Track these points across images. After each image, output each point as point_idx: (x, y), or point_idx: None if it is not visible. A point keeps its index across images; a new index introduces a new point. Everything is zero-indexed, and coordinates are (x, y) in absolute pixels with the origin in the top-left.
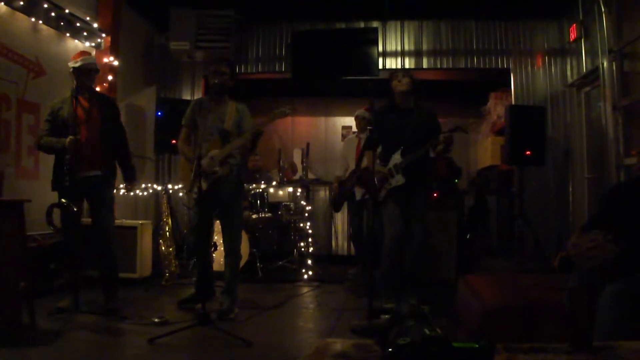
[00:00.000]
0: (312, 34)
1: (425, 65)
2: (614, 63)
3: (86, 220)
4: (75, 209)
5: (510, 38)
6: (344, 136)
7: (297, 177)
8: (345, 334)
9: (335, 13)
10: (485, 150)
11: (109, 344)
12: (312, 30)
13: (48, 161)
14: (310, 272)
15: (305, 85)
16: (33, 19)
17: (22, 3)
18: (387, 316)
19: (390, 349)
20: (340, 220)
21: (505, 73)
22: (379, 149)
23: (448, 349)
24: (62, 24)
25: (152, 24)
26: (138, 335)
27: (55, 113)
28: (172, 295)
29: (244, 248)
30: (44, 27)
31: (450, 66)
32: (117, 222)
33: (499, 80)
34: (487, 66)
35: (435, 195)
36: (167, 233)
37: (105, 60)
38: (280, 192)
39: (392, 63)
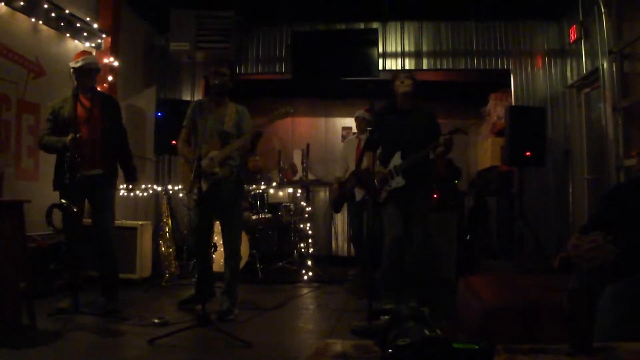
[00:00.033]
0: (312, 34)
1: (425, 66)
2: (614, 64)
3: (87, 221)
4: (75, 210)
5: (510, 39)
6: (344, 137)
7: (297, 178)
8: (345, 335)
9: (336, 14)
10: (485, 151)
11: (109, 344)
12: (312, 31)
13: (48, 162)
14: (310, 273)
15: (305, 86)
16: (33, 20)
17: (22, 3)
18: (387, 317)
19: (390, 350)
20: (340, 221)
21: (505, 74)
22: (379, 150)
23: (448, 350)
24: (62, 24)
25: (152, 25)
26: (138, 336)
27: (56, 112)
28: (172, 296)
29: (244, 249)
30: (44, 27)
31: (450, 67)
32: (117, 222)
33: (499, 81)
34: (487, 67)
35: (435, 196)
36: (167, 234)
37: (105, 60)
38: (280, 193)
39: (392, 64)
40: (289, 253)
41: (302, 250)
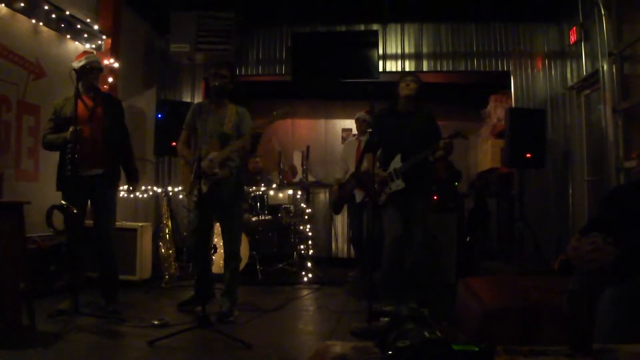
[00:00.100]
0: (313, 36)
1: (425, 68)
2: (614, 66)
3: (88, 222)
4: (75, 211)
5: (510, 41)
6: (344, 139)
7: (297, 179)
8: (345, 336)
9: (336, 15)
10: (485, 153)
11: (109, 346)
12: (312, 33)
13: (48, 163)
14: (310, 275)
15: (305, 88)
16: (33, 21)
17: (22, 5)
18: (386, 319)
19: (390, 352)
20: (340, 222)
21: (505, 76)
22: (379, 152)
23: (448, 352)
24: (62, 25)
25: (153, 26)
26: (138, 338)
27: (58, 112)
28: (172, 298)
29: (244, 250)
30: (45, 28)
31: (450, 69)
32: (117, 224)
33: (499, 83)
34: (487, 69)
35: (435, 198)
36: (167, 235)
37: (106, 62)
38: (280, 195)
39: (392, 66)
40: (289, 255)
41: (302, 251)
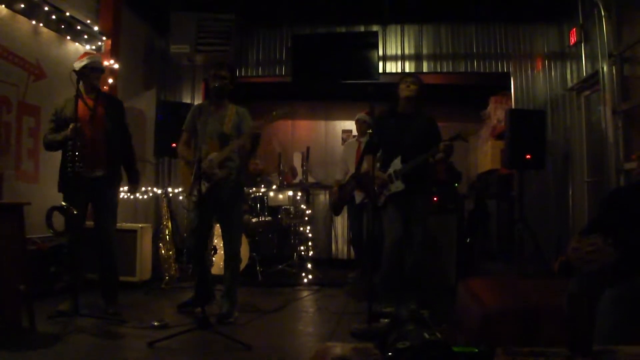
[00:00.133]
0: (312, 37)
1: (425, 69)
2: (613, 67)
3: (89, 223)
4: (75, 212)
5: (510, 42)
6: (344, 140)
7: (297, 180)
8: (345, 337)
9: (336, 17)
10: (485, 154)
11: (109, 347)
12: (312, 34)
13: (48, 164)
14: (310, 276)
15: (305, 89)
16: (34, 22)
17: (22, 6)
18: (386, 320)
19: (389, 353)
20: (340, 224)
21: (505, 77)
22: (379, 154)
23: (448, 353)
24: (62, 27)
25: (153, 27)
26: (138, 339)
27: (59, 113)
28: (172, 299)
29: (244, 252)
30: (45, 29)
31: (450, 70)
32: (117, 225)
33: (499, 84)
34: (487, 70)
35: (435, 199)
36: (167, 236)
37: (106, 63)
38: (280, 196)
39: (392, 67)
40: (289, 256)
41: (302, 253)
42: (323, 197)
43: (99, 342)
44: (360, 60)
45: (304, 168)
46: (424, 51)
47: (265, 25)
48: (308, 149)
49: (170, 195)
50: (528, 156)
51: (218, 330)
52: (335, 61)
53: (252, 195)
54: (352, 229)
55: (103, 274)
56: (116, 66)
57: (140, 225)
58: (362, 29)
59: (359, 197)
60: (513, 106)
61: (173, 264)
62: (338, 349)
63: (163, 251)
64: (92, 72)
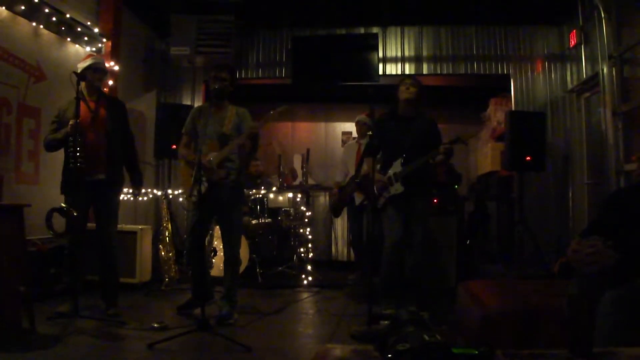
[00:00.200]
0: (312, 39)
1: (425, 71)
2: (613, 69)
3: (91, 225)
4: (75, 214)
5: (510, 44)
6: (344, 142)
7: (297, 182)
8: (345, 339)
9: (336, 19)
10: (485, 156)
11: (108, 348)
12: (312, 36)
13: (48, 166)
14: (310, 278)
15: (305, 91)
16: (34, 24)
17: (23, 7)
18: (386, 322)
19: (389, 355)
20: (340, 225)
21: (505, 79)
22: (380, 156)
23: (447, 355)
24: (63, 28)
25: (153, 29)
26: (137, 340)
27: (61, 115)
28: (172, 301)
29: (244, 253)
30: (45, 31)
31: (450, 72)
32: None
33: (499, 86)
34: (487, 72)
35: (435, 201)
36: (167, 238)
37: (106, 65)
38: (280, 198)
39: (392, 69)
40: (289, 258)
41: (302, 254)
42: (323, 199)
43: (99, 343)
44: (360, 62)
45: (304, 170)
46: (424, 53)
47: (265, 27)
48: (308, 150)
49: (170, 196)
50: (528, 158)
51: (218, 332)
52: (335, 63)
53: (252, 197)
54: (352, 230)
55: (103, 276)
56: (116, 68)
57: (140, 227)
58: (362, 30)
59: (358, 199)
60: (513, 108)
61: (173, 266)
62: (338, 350)
63: (163, 253)
64: (95, 73)
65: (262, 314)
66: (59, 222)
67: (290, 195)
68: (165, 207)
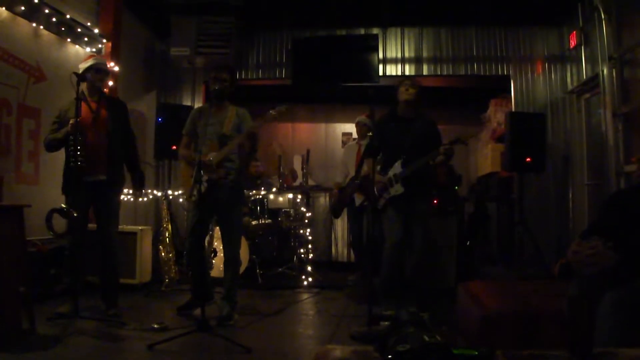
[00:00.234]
0: (313, 40)
1: (425, 72)
2: (614, 70)
3: (92, 226)
4: (75, 214)
5: (511, 44)
6: (344, 143)
7: (297, 183)
8: (345, 340)
9: (336, 20)
10: (485, 157)
11: (108, 349)
12: (313, 37)
13: (48, 166)
14: (310, 279)
15: (306, 92)
16: (34, 24)
17: (23, 8)
18: (386, 323)
19: (389, 356)
20: (340, 226)
21: (505, 80)
22: (380, 157)
23: (447, 356)
24: (63, 29)
25: (153, 30)
26: (137, 341)
27: (62, 115)
28: (172, 301)
29: (244, 254)
30: (45, 32)
31: (450, 73)
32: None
33: (499, 87)
34: (487, 73)
35: (435, 202)
36: (167, 239)
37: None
38: (280, 199)
39: (392, 70)
40: (289, 258)
41: (302, 255)
42: (323, 200)
43: (99, 344)
44: (360, 63)
45: (304, 171)
46: (424, 54)
47: (265, 27)
48: (308, 151)
49: (171, 197)
50: (528, 159)
51: (218, 333)
52: (335, 64)
53: (252, 198)
54: (352, 231)
55: (104, 276)
56: (116, 69)
57: (140, 228)
58: (363, 31)
59: (359, 199)
60: (513, 109)
61: (173, 267)
62: (338, 351)
63: (163, 253)
64: (96, 73)
65: (262, 315)
66: (59, 223)
67: (290, 196)
68: (165, 207)
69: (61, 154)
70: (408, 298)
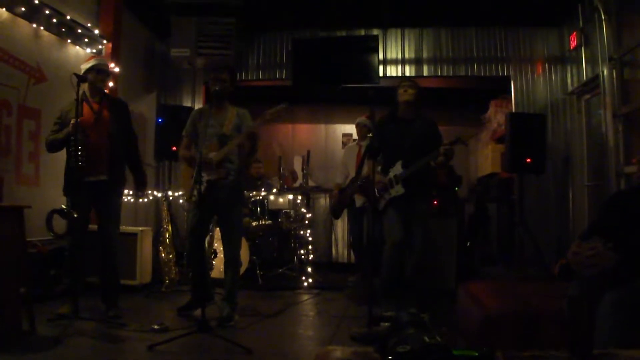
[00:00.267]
0: (313, 41)
1: (425, 73)
2: (614, 71)
3: (93, 226)
4: (75, 215)
5: (511, 45)
6: (344, 144)
7: (297, 184)
8: (345, 341)
9: (336, 21)
10: (485, 158)
11: (109, 350)
12: (313, 38)
13: (48, 167)
14: (310, 280)
15: (306, 93)
16: (34, 25)
17: (23, 9)
18: (387, 324)
19: (390, 357)
20: (340, 227)
21: (506, 80)
22: (380, 157)
23: (448, 357)
24: (63, 30)
25: (153, 31)
26: (138, 342)
27: (63, 116)
28: (172, 302)
29: (244, 255)
30: (45, 33)
31: (451, 74)
32: None
33: (499, 88)
34: (487, 74)
35: (435, 203)
36: (167, 240)
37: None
38: (281, 200)
39: (392, 71)
40: (289, 259)
41: (302, 256)
42: (323, 201)
43: (99, 345)
44: (360, 64)
45: (304, 172)
46: (424, 55)
47: (266, 28)
48: (308, 152)
49: (171, 198)
50: (528, 160)
51: (218, 334)
52: (335, 65)
53: (253, 199)
54: (352, 232)
55: (104, 277)
56: (117, 69)
57: (140, 229)
58: (363, 32)
59: (359, 200)
60: (513, 110)
61: (173, 267)
62: (338, 352)
63: (163, 254)
64: (98, 74)
65: (263, 316)
66: (60, 224)
67: (290, 197)
68: (165, 208)
69: (62, 155)
70: (408, 299)
